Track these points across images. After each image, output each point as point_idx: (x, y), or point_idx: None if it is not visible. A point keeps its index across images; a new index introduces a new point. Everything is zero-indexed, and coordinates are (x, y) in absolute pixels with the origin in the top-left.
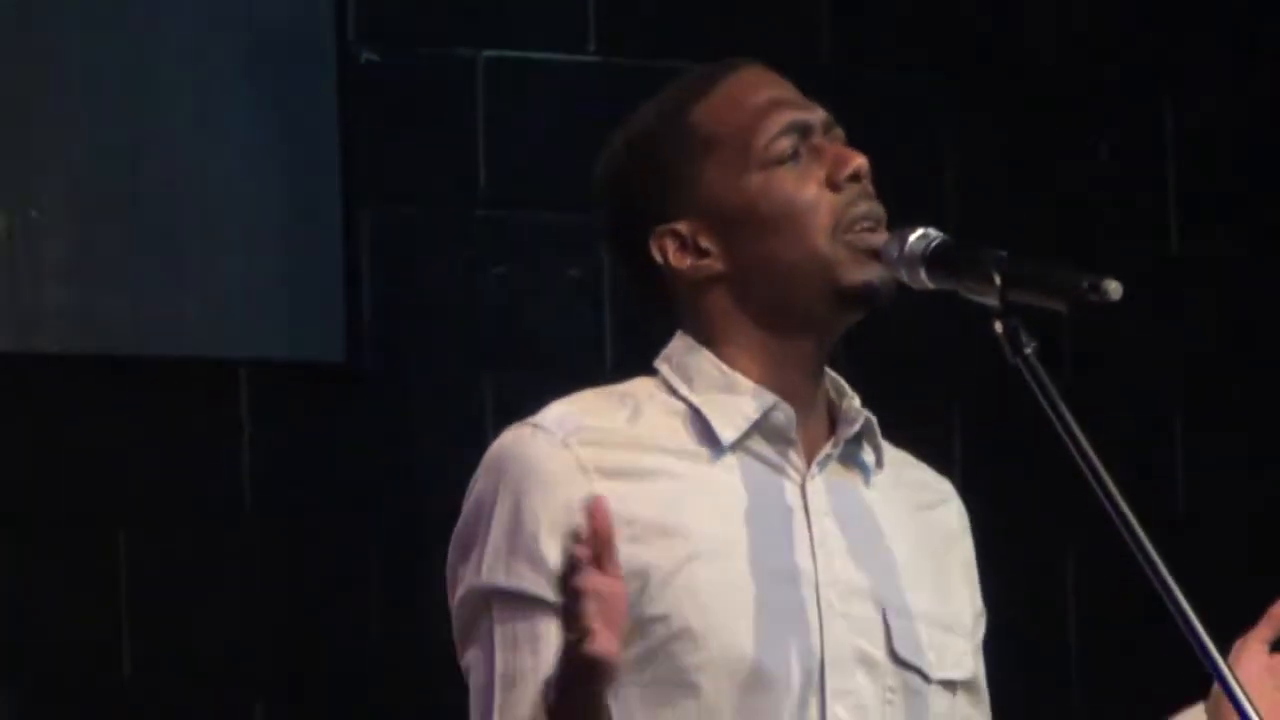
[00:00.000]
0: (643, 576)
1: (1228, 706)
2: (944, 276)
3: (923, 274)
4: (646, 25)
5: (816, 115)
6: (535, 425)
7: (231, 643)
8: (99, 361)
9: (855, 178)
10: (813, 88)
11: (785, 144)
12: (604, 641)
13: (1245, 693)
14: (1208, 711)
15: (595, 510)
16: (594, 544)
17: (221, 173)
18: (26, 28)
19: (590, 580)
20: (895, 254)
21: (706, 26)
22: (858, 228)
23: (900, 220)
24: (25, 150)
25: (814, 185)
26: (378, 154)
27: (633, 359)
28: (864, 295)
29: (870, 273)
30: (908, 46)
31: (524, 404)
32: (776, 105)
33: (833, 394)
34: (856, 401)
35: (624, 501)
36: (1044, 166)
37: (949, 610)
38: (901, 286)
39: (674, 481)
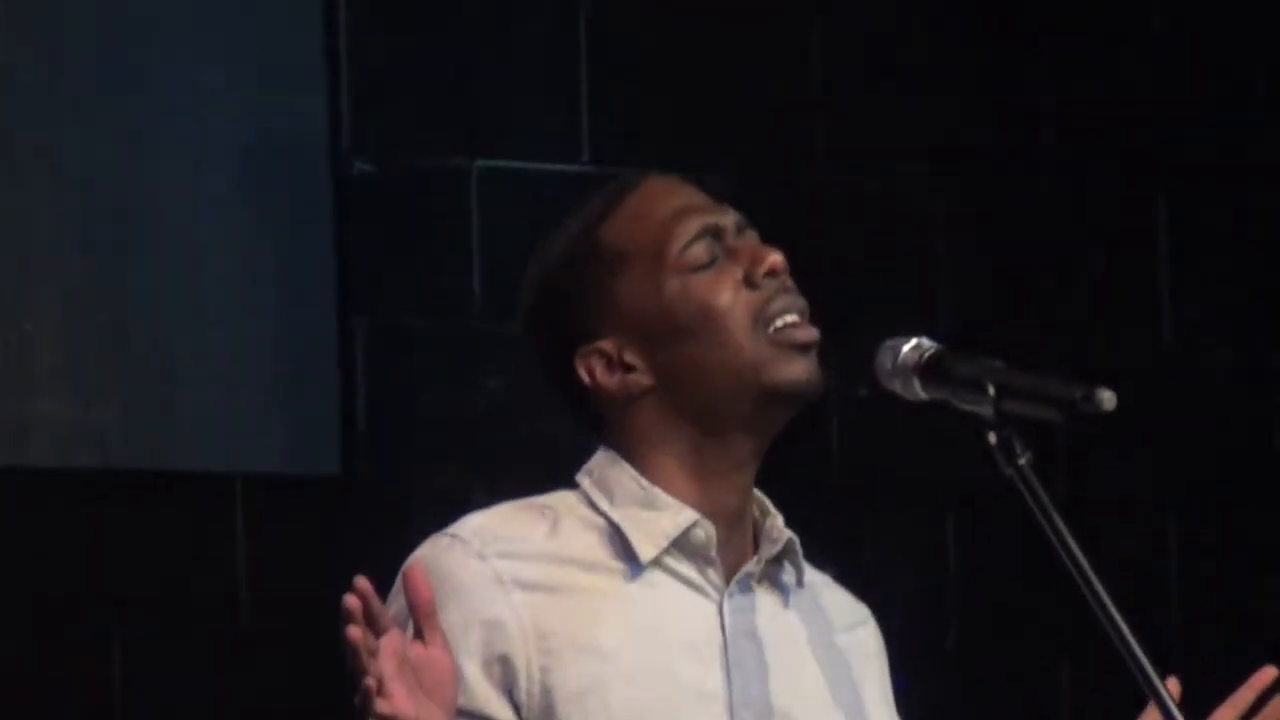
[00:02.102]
0: (555, 692)
1: None
2: (938, 387)
3: (916, 385)
4: (640, 135)
5: (728, 218)
6: (453, 536)
7: None
8: (93, 474)
9: (772, 273)
10: (808, 197)
11: (699, 250)
12: (398, 702)
13: None
14: None
15: (412, 578)
16: (414, 612)
17: (215, 284)
18: (22, 136)
19: (389, 641)
20: (889, 365)
21: (700, 136)
22: (779, 322)
23: (894, 330)
24: (17, 263)
25: (731, 286)
26: (372, 265)
27: None
28: (790, 391)
29: (795, 368)
30: (902, 157)
31: None
32: (686, 212)
33: (757, 512)
34: (780, 520)
35: (540, 615)
36: (1037, 276)
37: None
38: (895, 397)
39: (591, 598)
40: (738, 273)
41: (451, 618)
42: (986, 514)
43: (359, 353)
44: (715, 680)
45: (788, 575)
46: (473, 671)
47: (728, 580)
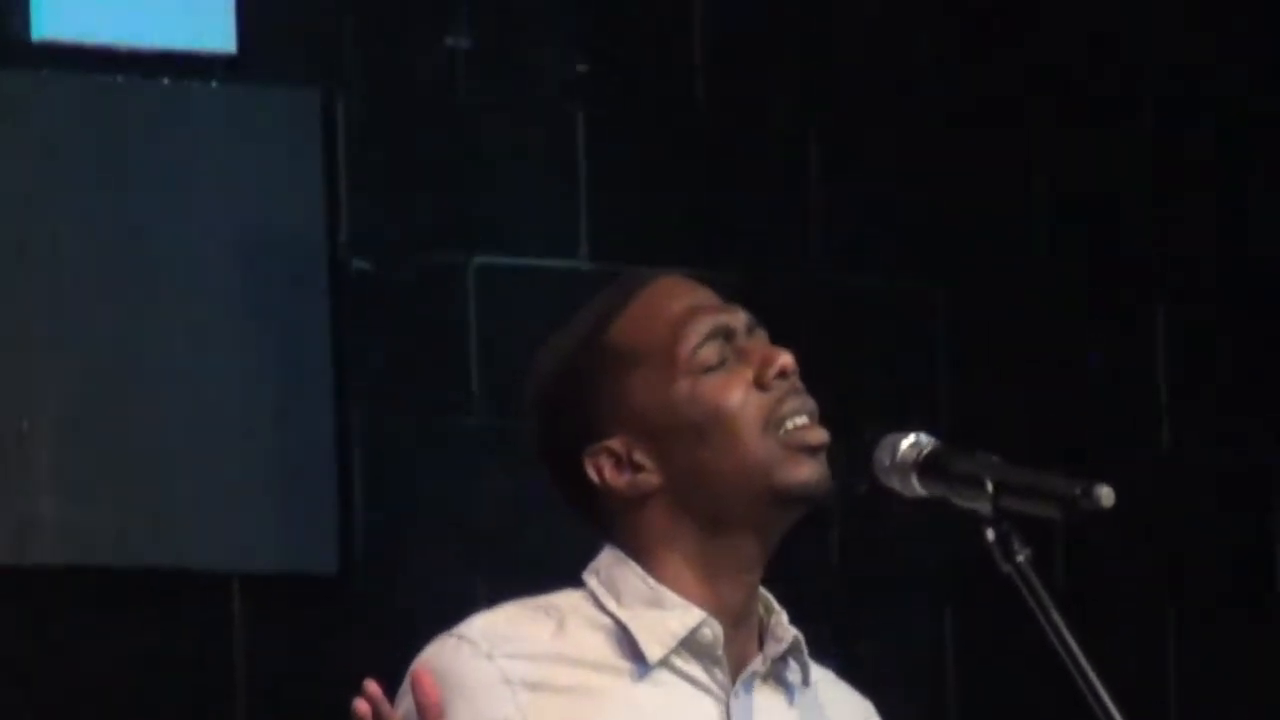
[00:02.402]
0: None
1: None
2: (936, 483)
3: (914, 481)
4: (638, 231)
5: (738, 318)
6: (460, 637)
7: None
8: (91, 573)
9: (783, 375)
10: (804, 292)
11: (709, 352)
12: None
13: None
14: None
15: (420, 681)
16: (422, 715)
17: (213, 382)
18: (19, 242)
19: None
20: (887, 462)
21: (698, 233)
22: (789, 424)
23: (893, 424)
24: (17, 362)
25: (741, 387)
26: (370, 362)
27: None
28: (800, 494)
29: (805, 470)
30: (900, 251)
31: None
32: (696, 312)
33: (762, 610)
34: (784, 618)
35: (547, 715)
36: (1036, 371)
37: None
38: (893, 493)
39: (598, 698)
40: (748, 374)
41: (460, 718)
42: (986, 606)
43: (356, 450)
44: None
45: (793, 674)
46: None
47: (734, 678)
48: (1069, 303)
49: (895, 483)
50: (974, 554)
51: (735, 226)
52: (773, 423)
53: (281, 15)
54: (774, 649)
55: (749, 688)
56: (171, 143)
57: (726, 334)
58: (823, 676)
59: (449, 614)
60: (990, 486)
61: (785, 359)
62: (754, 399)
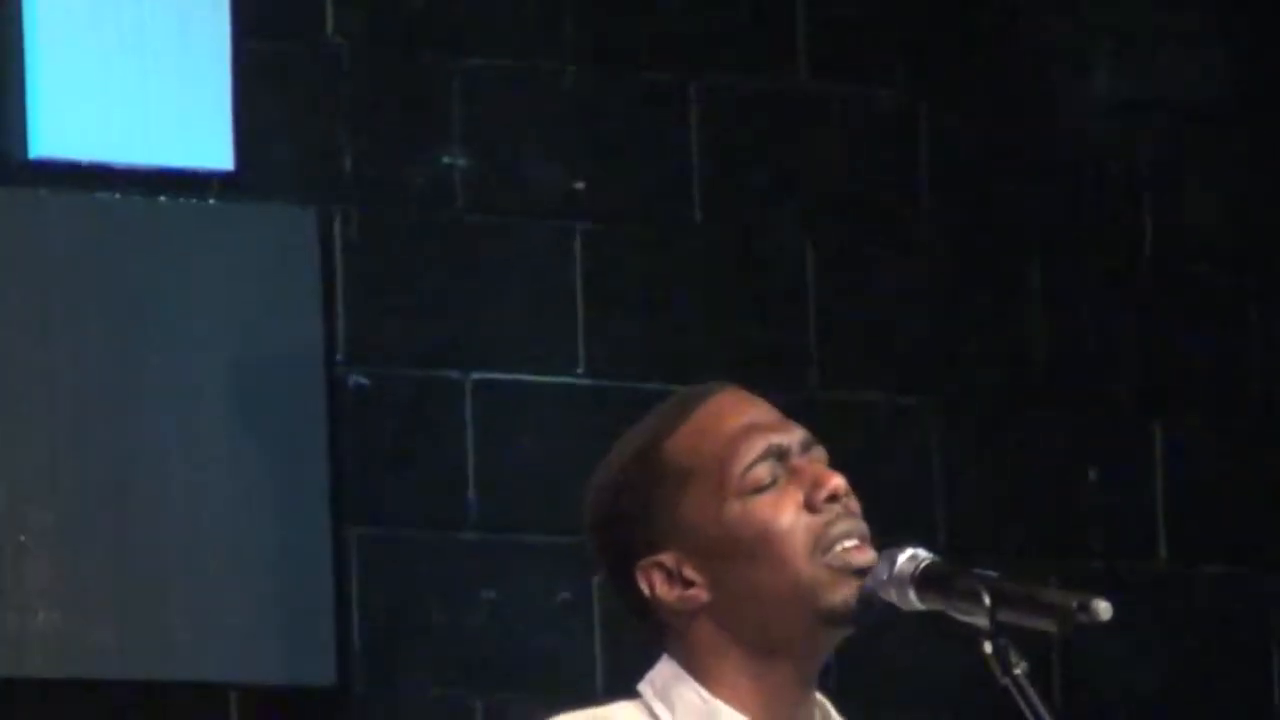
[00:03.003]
0: None
1: None
2: (933, 597)
3: (912, 595)
4: (635, 347)
5: (793, 436)
6: None
7: None
8: (87, 686)
9: (834, 498)
10: (800, 409)
11: (762, 471)
12: None
13: None
14: None
15: None
16: None
17: (209, 497)
18: (14, 355)
19: None
20: (885, 575)
21: (696, 350)
22: (838, 547)
23: (888, 537)
24: (12, 476)
25: (792, 509)
26: (367, 477)
27: (624, 681)
28: (844, 614)
29: (851, 591)
30: (897, 365)
31: None
32: (750, 431)
33: (819, 718)
34: None
35: None
36: (1032, 486)
37: None
38: (889, 607)
39: None
40: (799, 495)
41: None
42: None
43: (354, 563)
44: None
45: None
46: None
47: None
48: (1065, 420)
49: (893, 596)
50: (973, 667)
51: (729, 344)
52: (822, 546)
53: (279, 133)
54: None
55: None
56: (169, 259)
57: (779, 454)
58: None
59: None
60: (987, 599)
61: (837, 481)
62: (804, 521)
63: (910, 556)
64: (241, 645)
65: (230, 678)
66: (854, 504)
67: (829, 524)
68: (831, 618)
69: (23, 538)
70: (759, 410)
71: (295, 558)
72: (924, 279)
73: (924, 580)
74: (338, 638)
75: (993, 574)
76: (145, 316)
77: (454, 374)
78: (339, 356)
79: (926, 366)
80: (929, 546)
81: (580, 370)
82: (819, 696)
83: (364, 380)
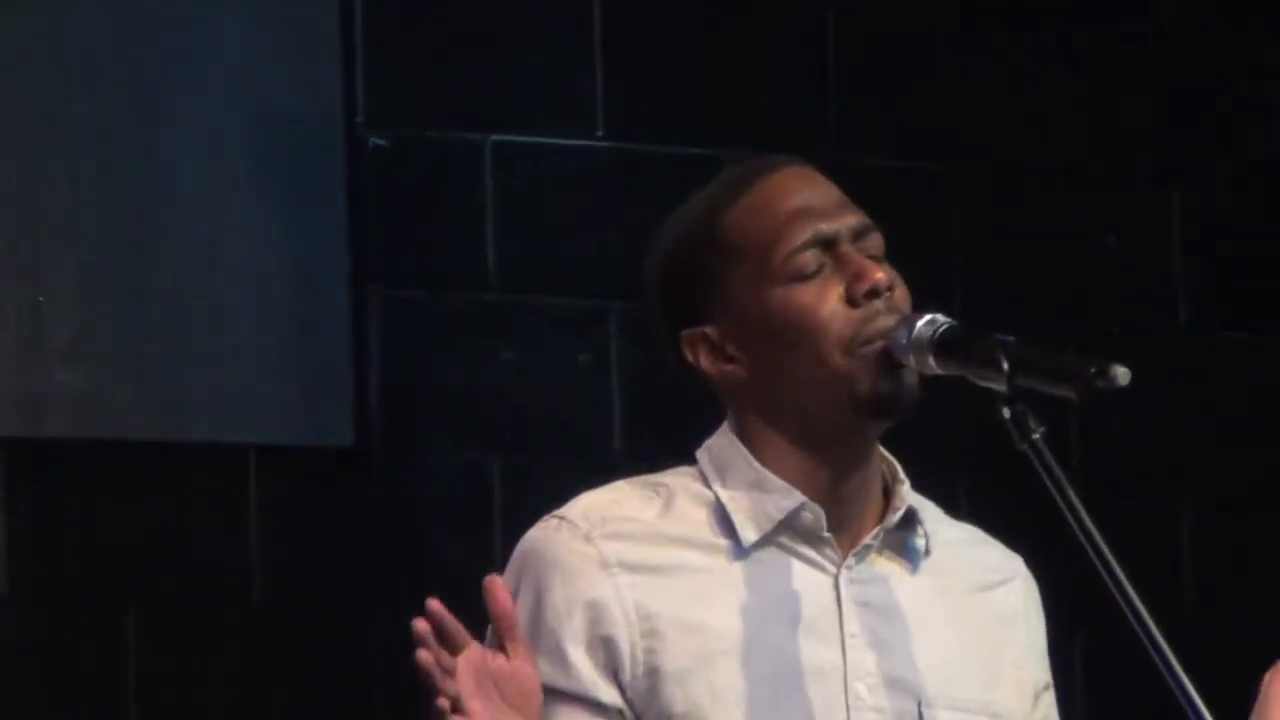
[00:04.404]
0: (661, 673)
1: None
2: (952, 362)
3: (930, 360)
4: (655, 110)
5: (844, 223)
6: (561, 518)
7: None
8: (106, 445)
9: (874, 293)
10: (819, 170)
11: (806, 258)
12: (477, 716)
13: None
14: None
15: (492, 589)
16: (494, 624)
17: (229, 258)
18: (34, 110)
19: (452, 658)
20: (904, 340)
21: (715, 112)
22: (876, 344)
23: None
24: (32, 236)
25: (832, 300)
26: (386, 239)
27: (642, 443)
28: (884, 405)
29: (889, 381)
30: (914, 132)
31: (533, 487)
32: (801, 216)
33: (888, 477)
34: (906, 487)
35: (646, 597)
36: (1052, 251)
37: (994, 698)
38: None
39: (698, 577)
40: (840, 287)
41: (555, 600)
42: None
43: (372, 325)
44: (830, 653)
45: (920, 539)
46: (577, 655)
47: (847, 553)
48: (1085, 185)
49: (911, 361)
50: (989, 433)
51: (750, 106)
52: (859, 341)
53: None
54: (890, 519)
55: (862, 559)
56: (191, 17)
57: (826, 242)
58: (964, 537)
59: (463, 486)
60: (1006, 365)
61: (879, 276)
62: (843, 314)
63: (929, 321)
64: (260, 406)
65: (249, 438)
66: (899, 297)
67: (867, 320)
68: (865, 407)
69: (42, 297)
70: (815, 192)
71: (314, 319)
72: (945, 48)
73: (942, 345)
74: (356, 399)
75: (1011, 339)
76: (164, 75)
77: (474, 135)
78: (359, 118)
79: (944, 134)
80: (948, 313)
81: (600, 133)
82: (885, 454)
83: (383, 142)
